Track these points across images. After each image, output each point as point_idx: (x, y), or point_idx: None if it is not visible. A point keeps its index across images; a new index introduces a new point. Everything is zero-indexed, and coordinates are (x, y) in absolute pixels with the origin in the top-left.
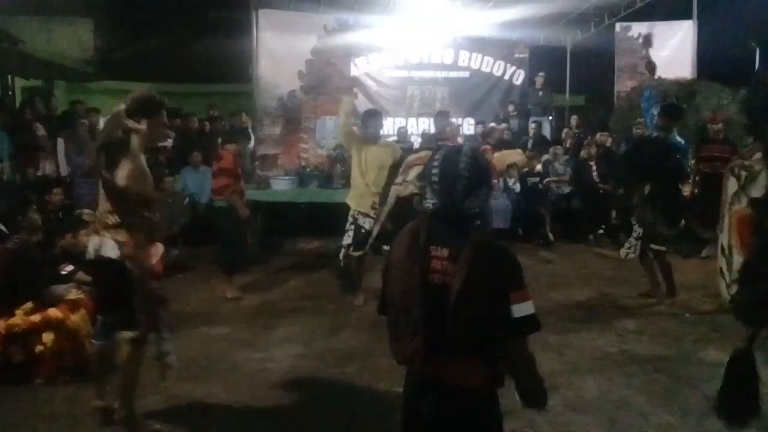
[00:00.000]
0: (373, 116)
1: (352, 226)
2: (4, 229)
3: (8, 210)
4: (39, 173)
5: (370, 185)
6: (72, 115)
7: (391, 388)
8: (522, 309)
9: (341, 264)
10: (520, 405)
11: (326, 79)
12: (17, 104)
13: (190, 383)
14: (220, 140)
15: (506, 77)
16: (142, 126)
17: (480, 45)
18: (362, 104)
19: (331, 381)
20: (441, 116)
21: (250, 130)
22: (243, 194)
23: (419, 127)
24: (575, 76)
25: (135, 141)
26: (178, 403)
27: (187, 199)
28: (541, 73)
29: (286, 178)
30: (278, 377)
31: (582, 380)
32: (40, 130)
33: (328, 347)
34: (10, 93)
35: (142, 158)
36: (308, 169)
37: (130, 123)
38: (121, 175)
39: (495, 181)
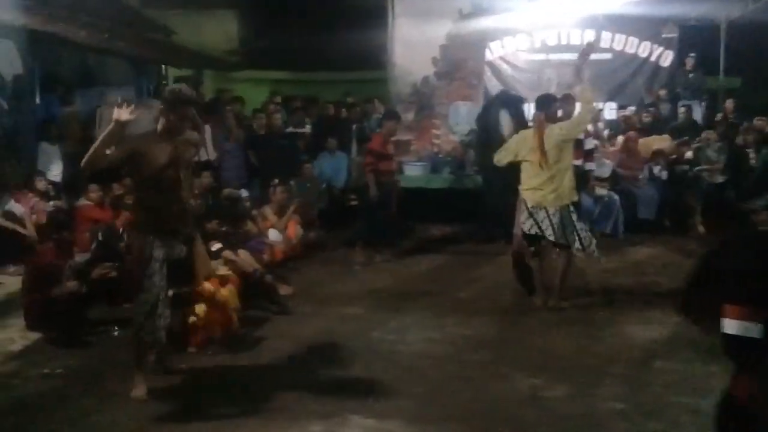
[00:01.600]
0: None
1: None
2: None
3: None
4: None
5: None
6: (217, 103)
7: (526, 377)
8: None
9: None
10: None
11: (460, 64)
12: None
13: (328, 360)
14: (354, 126)
15: (652, 59)
16: (121, 117)
17: (624, 25)
18: (495, 89)
19: (465, 367)
20: (566, 100)
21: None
22: (386, 174)
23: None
24: (731, 57)
25: (112, 129)
26: (317, 377)
27: (324, 184)
28: (691, 54)
29: (419, 164)
30: (411, 359)
31: None
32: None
33: (460, 333)
34: (164, 82)
35: (145, 142)
36: (441, 155)
37: (115, 112)
38: (85, 156)
39: (639, 169)
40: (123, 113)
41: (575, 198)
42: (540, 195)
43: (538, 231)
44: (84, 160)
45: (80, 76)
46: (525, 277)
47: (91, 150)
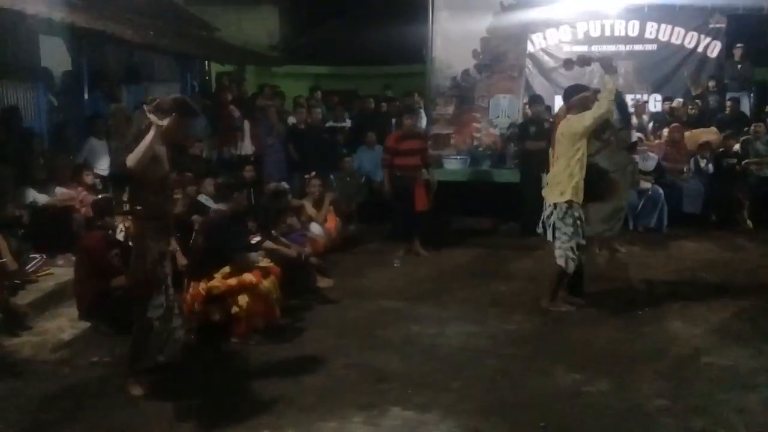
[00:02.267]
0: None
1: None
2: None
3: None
4: (234, 152)
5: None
6: (258, 98)
7: (568, 373)
8: None
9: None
10: None
11: (501, 57)
12: (213, 88)
13: (368, 352)
14: (394, 120)
15: (699, 49)
16: (163, 122)
17: (670, 15)
18: (536, 82)
19: (505, 361)
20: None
21: (421, 109)
22: (404, 170)
23: None
24: None
25: (152, 132)
26: (359, 368)
27: (363, 178)
28: (739, 44)
29: (459, 157)
30: (451, 353)
31: None
32: (236, 112)
33: (500, 327)
34: (207, 78)
35: (159, 149)
36: (480, 149)
37: (152, 117)
38: (129, 156)
39: (685, 162)
40: (161, 119)
41: (559, 200)
42: (546, 190)
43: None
44: (133, 162)
45: (126, 72)
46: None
47: (140, 152)
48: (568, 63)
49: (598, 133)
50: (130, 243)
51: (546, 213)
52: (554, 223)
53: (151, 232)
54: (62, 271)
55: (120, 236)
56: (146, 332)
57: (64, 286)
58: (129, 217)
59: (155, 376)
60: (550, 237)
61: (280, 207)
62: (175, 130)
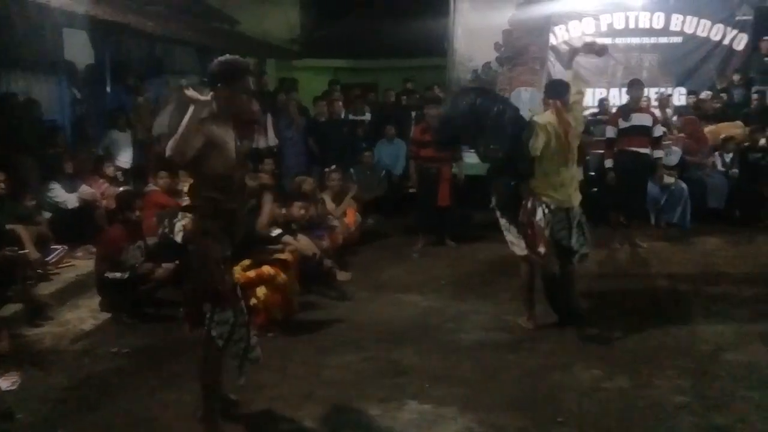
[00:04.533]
0: None
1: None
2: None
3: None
4: (254, 146)
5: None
6: (278, 92)
7: (587, 369)
8: None
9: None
10: None
11: (523, 49)
12: None
13: (385, 345)
14: (414, 114)
15: (725, 42)
16: (204, 96)
17: (696, 7)
18: (559, 75)
19: (523, 356)
20: (634, 85)
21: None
22: (429, 161)
23: (622, 98)
24: None
25: (195, 111)
26: (375, 362)
27: (383, 172)
28: (766, 37)
29: None
30: (468, 348)
31: None
32: (256, 106)
33: (519, 323)
34: None
35: (217, 132)
36: None
37: (189, 92)
38: (169, 144)
39: (707, 156)
40: (199, 94)
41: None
42: (567, 194)
43: (553, 238)
44: (171, 149)
45: (149, 65)
46: (559, 298)
47: (178, 137)
48: (591, 45)
49: None
50: (189, 246)
51: (562, 215)
52: (582, 224)
53: (213, 233)
54: (84, 262)
55: (178, 237)
56: (215, 357)
57: (85, 278)
58: (189, 215)
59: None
60: (575, 242)
61: (305, 199)
62: (233, 102)
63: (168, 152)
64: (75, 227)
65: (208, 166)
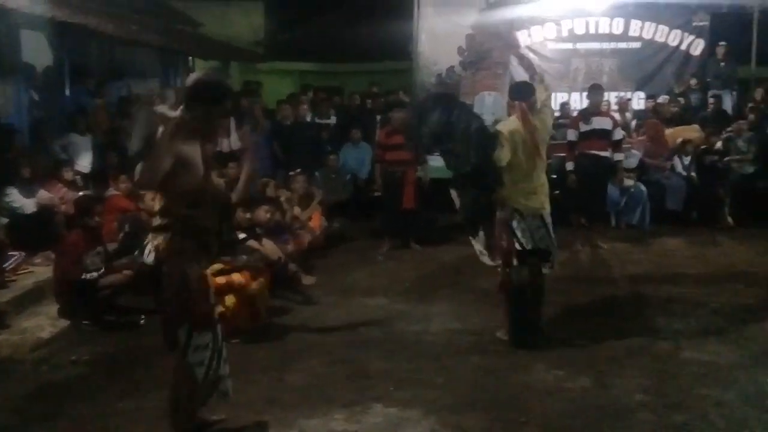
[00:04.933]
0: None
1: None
2: None
3: None
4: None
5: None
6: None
7: (549, 369)
8: None
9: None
10: None
11: (486, 54)
12: None
13: (351, 349)
14: (379, 117)
15: (683, 47)
16: (175, 113)
17: (654, 13)
18: (522, 79)
19: (488, 357)
20: (594, 90)
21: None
22: (394, 165)
23: (583, 102)
24: (763, 45)
25: (166, 133)
26: (342, 366)
27: (348, 175)
28: (722, 43)
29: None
30: (435, 350)
31: (762, 375)
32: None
33: (485, 324)
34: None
35: (187, 150)
36: None
37: (161, 110)
38: (137, 169)
39: (666, 159)
40: (168, 109)
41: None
42: (539, 201)
43: (537, 245)
44: (142, 177)
45: (109, 67)
46: (531, 313)
47: (150, 163)
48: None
49: None
50: (163, 268)
51: (538, 222)
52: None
53: (188, 253)
54: (42, 269)
55: (149, 258)
56: (190, 384)
57: (43, 285)
58: (160, 235)
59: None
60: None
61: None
62: (207, 123)
63: (137, 180)
64: (33, 233)
65: (178, 184)
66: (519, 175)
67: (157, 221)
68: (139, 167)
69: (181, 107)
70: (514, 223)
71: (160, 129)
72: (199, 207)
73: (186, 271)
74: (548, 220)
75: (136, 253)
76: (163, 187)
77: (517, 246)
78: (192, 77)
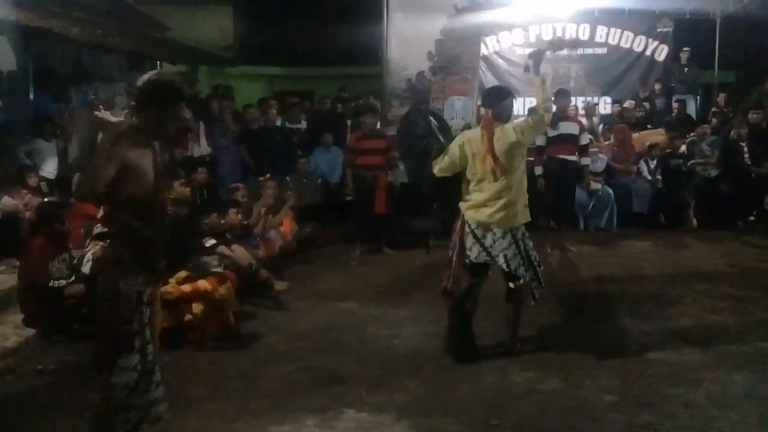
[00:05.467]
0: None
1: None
2: None
3: None
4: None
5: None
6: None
7: (521, 372)
8: None
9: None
10: None
11: (455, 59)
12: None
13: (323, 354)
14: (350, 121)
15: (647, 53)
16: (117, 118)
17: (619, 19)
18: (491, 84)
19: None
20: (561, 94)
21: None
22: (365, 169)
23: None
24: (725, 51)
25: (105, 139)
26: (312, 372)
27: (319, 180)
28: (686, 48)
29: None
30: (407, 354)
31: (729, 375)
32: (188, 113)
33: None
34: None
35: (135, 156)
36: None
37: (101, 115)
38: (75, 180)
39: (633, 163)
40: (109, 113)
41: (529, 218)
42: (486, 214)
43: (487, 258)
44: (79, 187)
45: (74, 72)
46: (464, 326)
47: (87, 172)
48: (527, 68)
49: None
50: (98, 278)
51: (505, 241)
52: (528, 251)
53: (125, 266)
54: (5, 277)
55: (86, 268)
56: (111, 407)
57: (7, 293)
58: (101, 243)
59: None
60: (513, 269)
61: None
62: (159, 126)
63: (75, 190)
64: None
65: (123, 192)
66: (470, 186)
67: (98, 229)
68: (76, 177)
69: (127, 111)
70: (465, 234)
71: (100, 135)
72: (144, 217)
73: (119, 285)
74: (519, 236)
75: (75, 261)
76: (107, 195)
77: (465, 258)
78: (142, 78)
